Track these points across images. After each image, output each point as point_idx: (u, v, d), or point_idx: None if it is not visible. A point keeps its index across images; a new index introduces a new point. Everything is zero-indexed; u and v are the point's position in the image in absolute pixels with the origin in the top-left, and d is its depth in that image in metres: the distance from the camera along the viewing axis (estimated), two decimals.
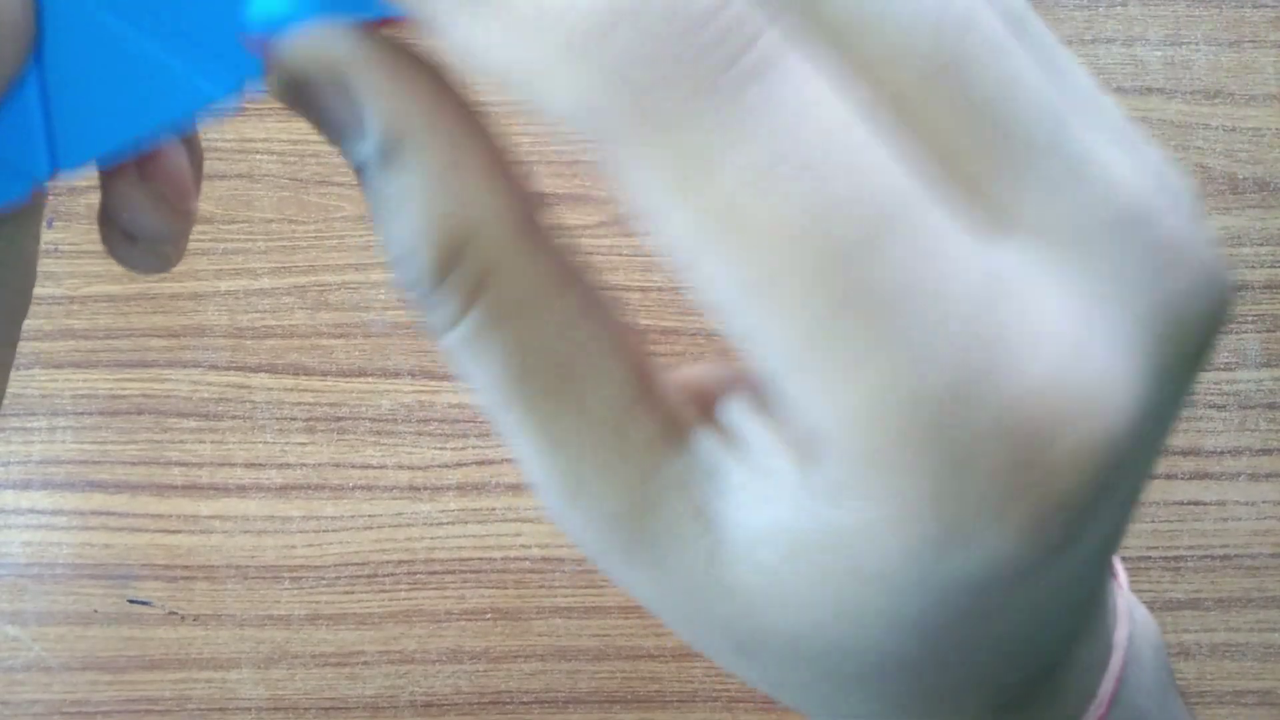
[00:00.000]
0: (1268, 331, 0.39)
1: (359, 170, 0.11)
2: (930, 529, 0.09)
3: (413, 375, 0.37)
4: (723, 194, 0.09)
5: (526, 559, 0.36)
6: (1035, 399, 0.09)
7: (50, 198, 0.39)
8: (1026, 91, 0.10)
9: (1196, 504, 0.38)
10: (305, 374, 0.37)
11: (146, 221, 0.17)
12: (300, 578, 0.36)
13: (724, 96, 0.09)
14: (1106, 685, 0.15)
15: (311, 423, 0.37)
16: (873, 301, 0.09)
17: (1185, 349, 0.10)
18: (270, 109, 0.39)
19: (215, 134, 0.39)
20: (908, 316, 0.09)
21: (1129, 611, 0.16)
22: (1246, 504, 0.38)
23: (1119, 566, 0.16)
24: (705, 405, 0.12)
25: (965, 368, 0.09)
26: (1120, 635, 0.15)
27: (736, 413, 0.12)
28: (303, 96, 0.11)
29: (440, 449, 0.37)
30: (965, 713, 0.13)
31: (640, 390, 0.12)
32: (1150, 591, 0.37)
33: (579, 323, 0.12)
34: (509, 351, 0.11)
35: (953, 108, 0.10)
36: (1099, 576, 0.13)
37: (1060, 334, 0.09)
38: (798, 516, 0.10)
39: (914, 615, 0.10)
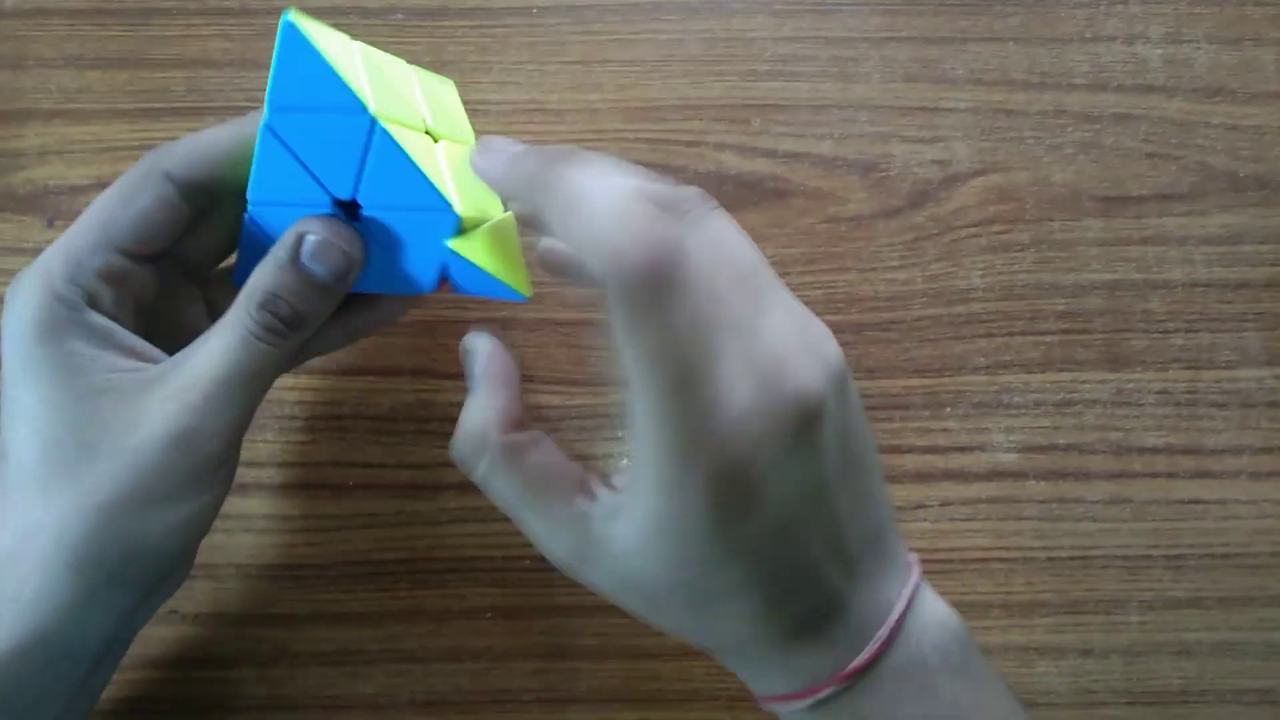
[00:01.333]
0: (1269, 330, 0.39)
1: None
2: (675, 500, 0.22)
3: (413, 374, 0.37)
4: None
5: (526, 558, 0.36)
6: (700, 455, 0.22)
7: (52, 197, 0.39)
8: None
9: (1197, 502, 0.38)
10: (305, 374, 0.37)
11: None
12: (300, 577, 0.36)
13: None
14: (882, 632, 0.24)
15: (311, 422, 0.37)
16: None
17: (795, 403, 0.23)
18: None
19: None
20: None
21: (915, 593, 0.25)
22: (1248, 503, 0.37)
23: (915, 564, 0.26)
24: (597, 479, 0.27)
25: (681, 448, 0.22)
26: (901, 602, 0.24)
27: (616, 478, 0.26)
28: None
29: (440, 448, 0.37)
30: (770, 633, 0.24)
31: (572, 479, 0.26)
32: (1151, 590, 0.37)
33: (542, 459, 0.26)
34: (504, 485, 0.26)
35: None
36: (809, 541, 0.24)
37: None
38: (639, 512, 0.23)
39: (687, 549, 0.23)
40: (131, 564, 0.26)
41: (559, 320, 0.38)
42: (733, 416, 0.22)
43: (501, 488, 0.26)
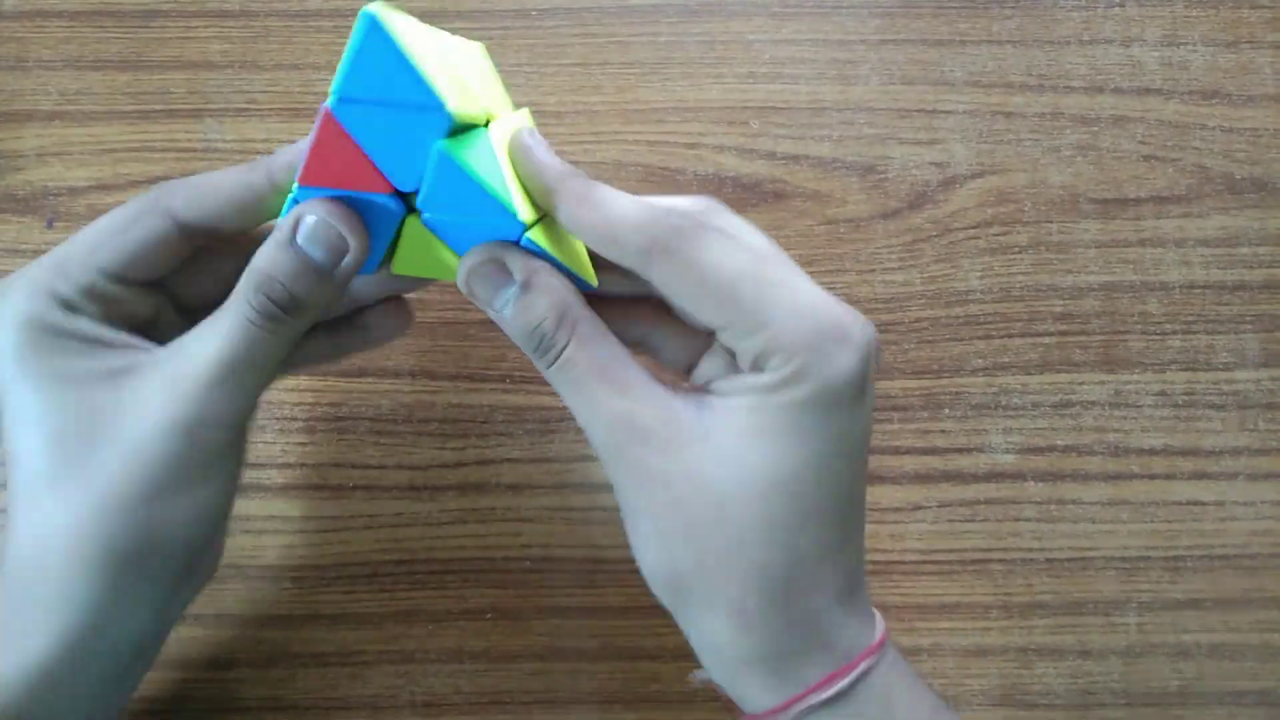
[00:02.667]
0: (1266, 331, 0.39)
1: (502, 304, 0.26)
2: (814, 364, 0.24)
3: (413, 375, 0.37)
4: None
5: (526, 559, 0.36)
6: (854, 328, 0.24)
7: (52, 199, 0.39)
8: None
9: (1196, 504, 0.38)
10: (305, 375, 0.37)
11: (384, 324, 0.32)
12: (300, 578, 0.36)
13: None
14: (865, 657, 0.25)
15: (311, 423, 0.37)
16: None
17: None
18: (271, 109, 0.39)
19: (216, 135, 0.39)
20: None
21: (886, 634, 0.26)
22: (1245, 504, 0.38)
23: (879, 616, 0.26)
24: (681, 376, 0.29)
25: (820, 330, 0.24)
26: (876, 639, 0.25)
27: (713, 371, 0.27)
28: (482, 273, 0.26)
29: (440, 449, 0.37)
30: (817, 584, 0.24)
31: (638, 366, 0.26)
32: (1150, 591, 0.37)
33: (614, 341, 0.26)
34: (590, 357, 0.25)
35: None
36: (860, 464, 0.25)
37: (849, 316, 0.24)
38: (757, 391, 0.24)
39: (813, 423, 0.24)
40: (151, 556, 0.26)
41: None
42: (842, 311, 0.24)
43: (584, 361, 0.25)
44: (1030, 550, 0.37)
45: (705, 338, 0.28)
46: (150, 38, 0.40)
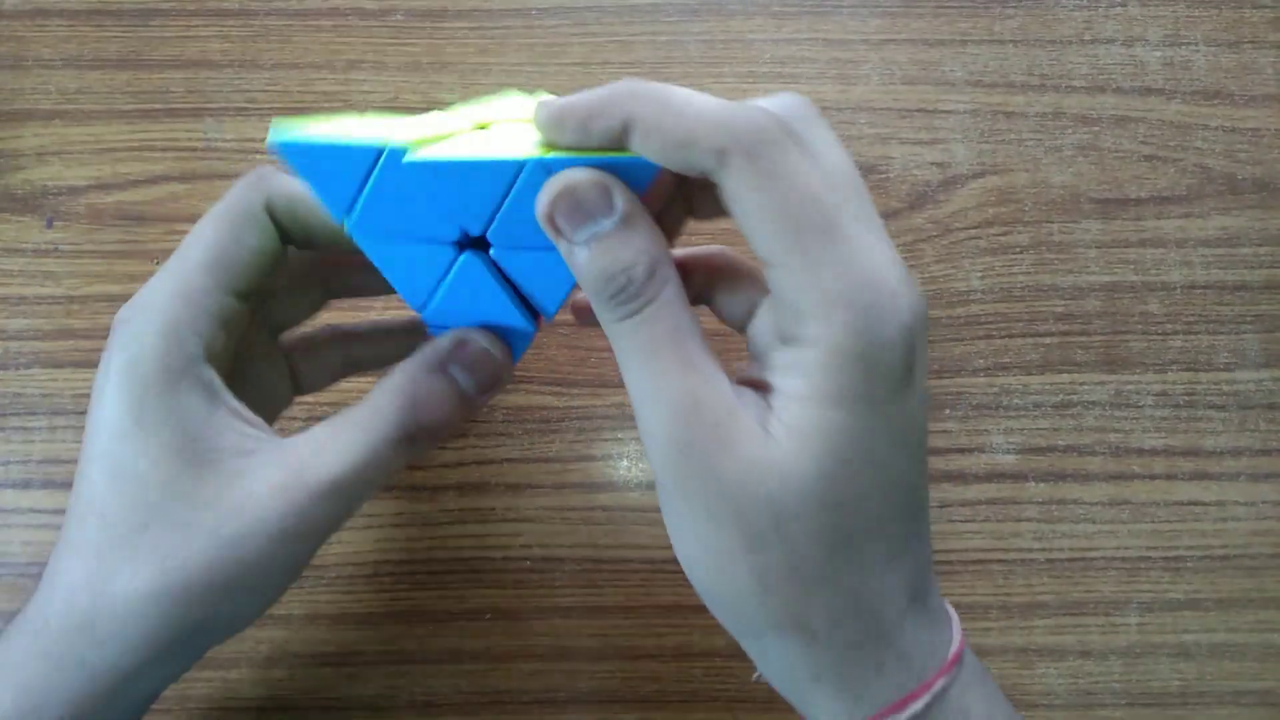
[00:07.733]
0: (1267, 332, 0.39)
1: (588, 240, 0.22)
2: (853, 342, 0.21)
3: None
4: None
5: (526, 559, 0.36)
6: (901, 301, 0.21)
7: (51, 198, 0.39)
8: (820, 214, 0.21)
9: (1196, 504, 0.38)
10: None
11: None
12: (300, 577, 0.36)
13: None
14: (942, 674, 0.23)
15: (311, 423, 0.37)
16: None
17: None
18: (271, 109, 0.39)
19: (216, 134, 0.39)
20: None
21: (963, 642, 0.24)
22: (1246, 504, 0.38)
23: (954, 614, 0.24)
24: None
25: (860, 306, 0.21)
26: (954, 648, 0.23)
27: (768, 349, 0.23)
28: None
29: (440, 449, 0.37)
30: (883, 601, 0.22)
31: (708, 347, 0.23)
32: (1150, 592, 0.37)
33: (693, 313, 0.23)
34: (671, 321, 0.22)
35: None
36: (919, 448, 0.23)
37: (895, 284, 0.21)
38: (808, 392, 0.21)
39: (868, 423, 0.21)
40: (207, 636, 0.25)
41: (558, 322, 0.38)
42: (895, 280, 0.21)
43: (664, 324, 0.22)
44: (1031, 550, 0.37)
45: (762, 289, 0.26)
46: (150, 37, 0.39)
